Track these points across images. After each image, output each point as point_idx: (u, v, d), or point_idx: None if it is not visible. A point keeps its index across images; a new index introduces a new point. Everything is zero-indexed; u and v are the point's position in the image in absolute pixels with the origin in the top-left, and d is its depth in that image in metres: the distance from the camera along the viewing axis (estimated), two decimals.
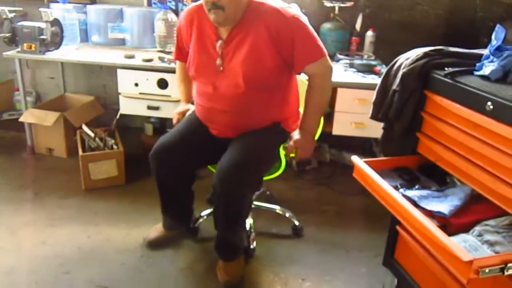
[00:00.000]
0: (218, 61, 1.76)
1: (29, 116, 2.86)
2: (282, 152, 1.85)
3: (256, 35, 1.69)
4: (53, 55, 2.69)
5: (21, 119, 2.87)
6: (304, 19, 1.73)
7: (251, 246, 2.09)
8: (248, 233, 2.11)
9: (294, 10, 1.72)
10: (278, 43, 1.69)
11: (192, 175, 2.04)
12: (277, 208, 2.32)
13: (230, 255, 1.93)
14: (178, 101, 2.50)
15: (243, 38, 1.71)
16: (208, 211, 2.24)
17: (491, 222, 1.32)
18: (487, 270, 1.10)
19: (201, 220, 2.24)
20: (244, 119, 1.81)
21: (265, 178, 1.91)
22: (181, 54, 1.99)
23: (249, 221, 2.11)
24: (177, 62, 2.09)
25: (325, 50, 1.76)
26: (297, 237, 2.25)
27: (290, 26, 1.67)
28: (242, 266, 1.95)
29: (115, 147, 2.67)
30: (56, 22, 2.69)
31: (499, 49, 1.43)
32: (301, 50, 1.70)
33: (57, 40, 2.71)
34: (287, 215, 2.30)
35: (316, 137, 1.89)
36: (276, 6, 1.69)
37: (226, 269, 1.91)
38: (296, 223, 2.27)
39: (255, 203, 2.23)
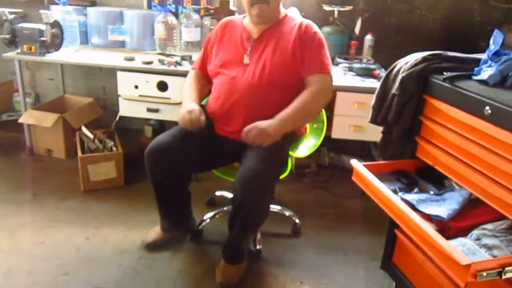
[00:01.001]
0: (246, 56, 1.91)
1: (28, 117, 2.86)
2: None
3: (284, 39, 1.89)
4: (52, 56, 2.69)
5: (20, 120, 2.88)
6: (323, 38, 1.93)
7: (257, 247, 2.11)
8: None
9: (316, 27, 1.93)
10: (299, 50, 1.87)
11: (188, 176, 2.05)
12: (277, 208, 2.32)
13: (236, 259, 1.94)
14: (177, 103, 2.52)
15: (273, 39, 1.90)
16: (211, 214, 2.26)
17: (489, 226, 1.33)
18: (484, 274, 1.10)
19: (204, 223, 2.24)
20: (260, 113, 1.82)
21: None
22: (203, 64, 2.09)
23: None
24: (193, 71, 2.13)
25: (330, 69, 1.90)
26: (296, 237, 2.27)
27: (312, 39, 1.89)
28: (242, 271, 1.95)
29: (114, 149, 2.67)
30: (56, 24, 2.70)
31: (497, 53, 1.44)
32: (309, 60, 1.87)
33: (57, 42, 2.72)
34: (287, 214, 2.32)
35: (282, 131, 1.81)
36: (304, 21, 1.93)
37: (225, 271, 1.91)
38: (297, 221, 2.29)
39: None
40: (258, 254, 2.10)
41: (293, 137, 2.01)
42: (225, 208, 2.28)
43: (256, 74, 1.86)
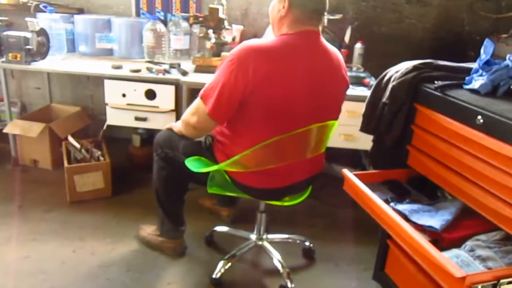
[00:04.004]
0: None
1: (13, 127, 2.80)
2: None
3: None
4: (39, 65, 2.64)
5: (5, 130, 2.81)
6: (225, 62, 1.62)
7: (289, 286, 1.93)
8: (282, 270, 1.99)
9: (238, 48, 1.60)
10: None
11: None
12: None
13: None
14: (166, 112, 2.49)
15: None
16: (226, 228, 2.28)
17: (483, 237, 1.32)
18: (479, 287, 1.09)
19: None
20: None
21: None
22: None
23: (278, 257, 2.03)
24: None
25: (207, 99, 1.61)
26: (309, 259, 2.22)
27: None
28: (154, 239, 2.15)
29: (101, 158, 2.63)
30: (42, 32, 2.65)
31: (488, 63, 1.44)
32: None
33: (43, 50, 2.67)
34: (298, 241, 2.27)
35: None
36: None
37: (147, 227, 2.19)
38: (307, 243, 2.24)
39: None
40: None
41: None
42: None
43: None
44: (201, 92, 1.63)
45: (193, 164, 1.74)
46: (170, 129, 1.93)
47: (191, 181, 1.99)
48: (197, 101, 1.65)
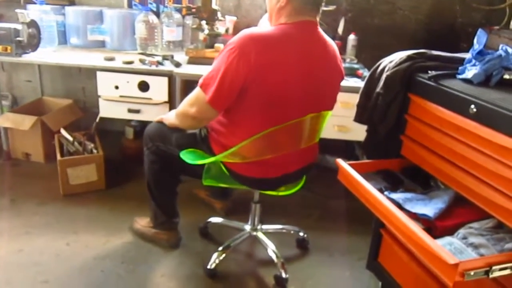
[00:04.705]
0: None
1: (4, 121, 2.78)
2: None
3: None
4: (30, 57, 2.61)
5: None
6: (224, 51, 1.60)
7: (284, 276, 1.95)
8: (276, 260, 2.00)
9: (236, 38, 1.59)
10: None
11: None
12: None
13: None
14: (159, 104, 2.48)
15: None
16: (220, 219, 2.27)
17: (475, 224, 1.33)
18: (472, 273, 1.10)
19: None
20: None
21: None
22: None
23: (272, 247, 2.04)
24: None
25: (206, 87, 1.60)
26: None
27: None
28: (147, 231, 2.17)
29: (94, 151, 2.61)
30: (33, 24, 2.62)
31: (481, 53, 1.45)
32: None
33: (34, 42, 2.64)
34: (292, 232, 2.28)
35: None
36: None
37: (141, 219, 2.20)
38: (301, 233, 2.25)
39: None
40: (285, 283, 1.96)
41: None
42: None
43: None
44: (200, 81, 1.62)
45: (188, 157, 1.73)
46: (160, 122, 1.92)
47: (184, 174, 1.98)
48: (196, 91, 1.64)
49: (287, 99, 1.59)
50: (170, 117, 1.85)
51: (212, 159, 1.70)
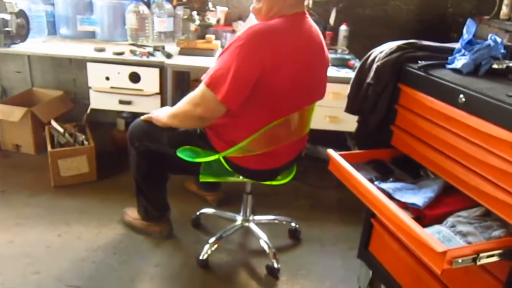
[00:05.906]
0: None
1: None
2: None
3: None
4: (19, 48, 2.58)
5: None
6: (234, 46, 1.55)
7: (276, 266, 1.97)
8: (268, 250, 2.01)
9: (244, 34, 1.56)
10: None
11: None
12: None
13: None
14: (150, 95, 2.47)
15: None
16: (212, 210, 2.28)
17: (463, 213, 1.34)
18: (460, 261, 1.11)
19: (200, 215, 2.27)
20: None
21: None
22: None
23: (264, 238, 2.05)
24: None
25: (211, 83, 1.55)
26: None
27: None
28: (139, 224, 2.17)
29: (85, 142, 2.60)
30: (21, 14, 2.59)
31: (470, 42, 1.46)
32: None
33: (23, 33, 2.61)
34: (284, 222, 2.29)
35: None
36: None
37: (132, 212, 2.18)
38: (292, 224, 2.26)
39: None
40: (276, 273, 1.98)
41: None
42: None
43: None
44: (206, 80, 1.55)
45: (187, 155, 1.72)
46: (146, 121, 1.87)
47: (176, 172, 1.98)
48: (201, 90, 1.57)
49: (292, 91, 1.61)
50: (162, 118, 1.77)
51: (219, 155, 1.69)
